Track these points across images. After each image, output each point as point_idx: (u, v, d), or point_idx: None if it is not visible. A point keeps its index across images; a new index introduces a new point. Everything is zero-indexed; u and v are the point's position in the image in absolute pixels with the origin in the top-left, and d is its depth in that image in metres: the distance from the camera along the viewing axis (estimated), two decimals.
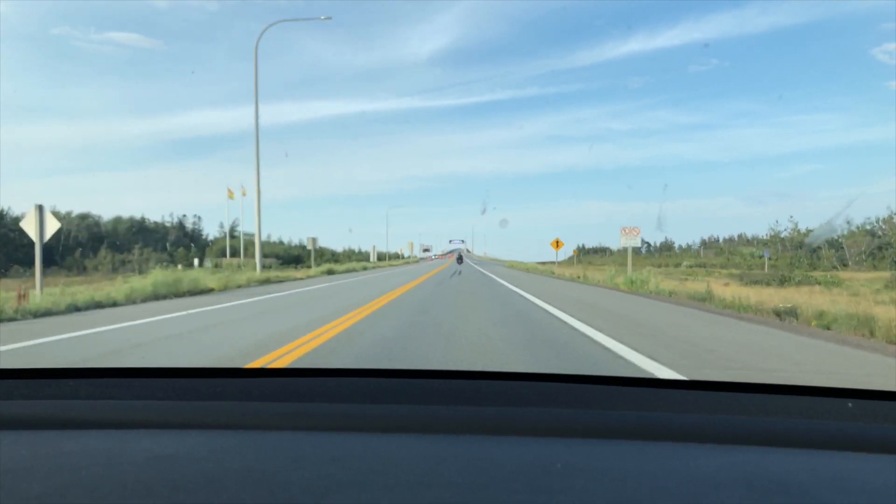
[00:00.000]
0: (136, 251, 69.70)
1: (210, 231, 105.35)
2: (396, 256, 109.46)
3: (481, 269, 46.78)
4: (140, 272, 63.08)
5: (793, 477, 0.98)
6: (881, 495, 0.94)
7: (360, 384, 1.41)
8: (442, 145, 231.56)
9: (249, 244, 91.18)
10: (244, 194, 54.73)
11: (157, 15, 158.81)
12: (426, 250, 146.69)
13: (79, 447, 1.09)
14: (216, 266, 57.07)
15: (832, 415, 1.23)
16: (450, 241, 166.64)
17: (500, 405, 1.29)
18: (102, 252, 69.32)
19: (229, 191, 56.58)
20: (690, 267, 66.73)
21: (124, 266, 67.21)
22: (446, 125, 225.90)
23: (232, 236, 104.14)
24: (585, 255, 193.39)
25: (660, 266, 61.97)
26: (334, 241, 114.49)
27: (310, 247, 45.18)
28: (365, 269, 55.16)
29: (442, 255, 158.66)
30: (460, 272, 37.14)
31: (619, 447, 1.11)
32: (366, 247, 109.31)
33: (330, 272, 41.54)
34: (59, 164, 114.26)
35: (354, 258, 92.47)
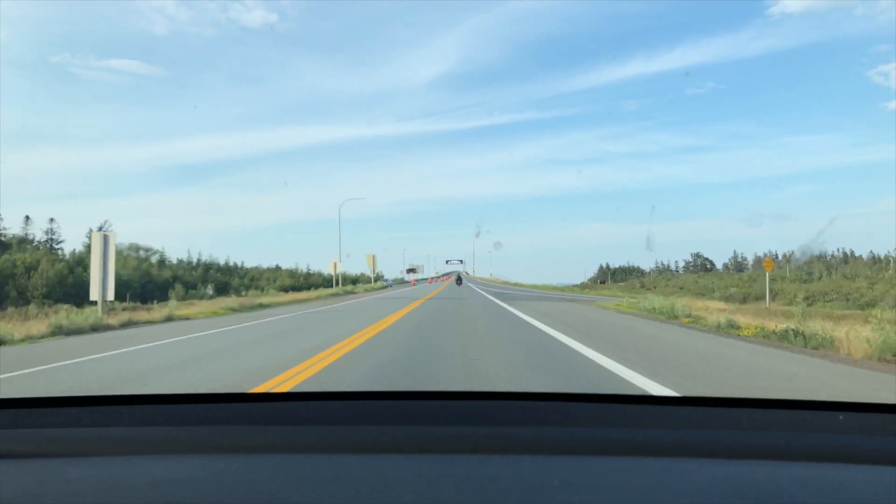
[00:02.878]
0: None
1: (74, 241, 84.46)
2: (368, 280, 72.62)
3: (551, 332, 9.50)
4: None
5: (784, 488, 1.02)
6: None
7: (358, 406, 1.42)
8: (439, 169, 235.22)
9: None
10: None
11: (156, 42, 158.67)
12: (411, 270, 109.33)
13: (83, 474, 1.11)
14: None
15: (823, 427, 1.24)
16: (446, 262, 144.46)
17: (497, 425, 1.30)
18: None
19: None
20: None
21: None
22: (444, 149, 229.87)
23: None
24: (612, 275, 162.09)
25: None
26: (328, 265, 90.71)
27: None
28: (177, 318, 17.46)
29: (434, 278, 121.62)
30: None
31: (613, 463, 1.15)
32: (357, 270, 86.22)
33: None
34: (59, 189, 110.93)
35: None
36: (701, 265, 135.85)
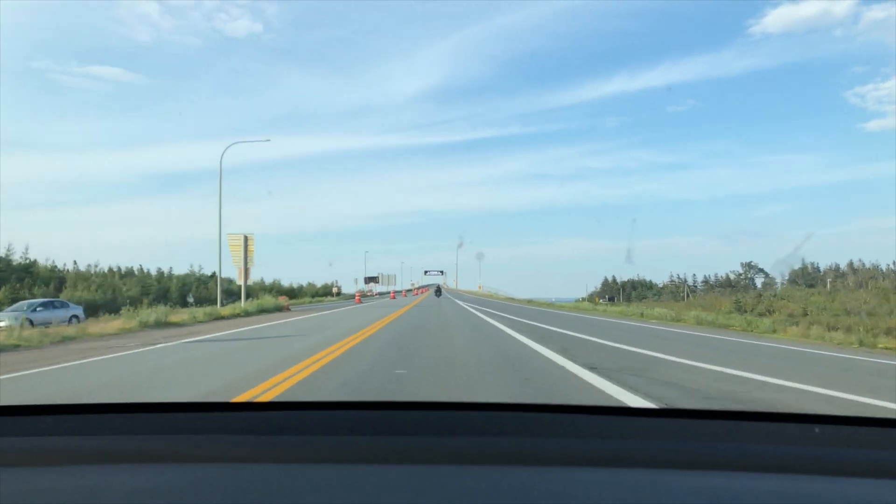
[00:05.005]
0: None
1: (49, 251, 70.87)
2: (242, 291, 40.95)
3: None
4: None
5: (762, 500, 1.03)
6: None
7: (338, 416, 1.40)
8: (423, 182, 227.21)
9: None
10: None
11: (139, 50, 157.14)
12: (372, 280, 77.05)
13: (58, 484, 1.08)
14: None
15: (800, 440, 1.25)
16: (425, 273, 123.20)
17: (477, 435, 1.28)
18: None
19: None
20: None
21: None
22: (428, 162, 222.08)
23: None
24: (622, 290, 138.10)
25: None
26: (314, 279, 79.43)
27: None
28: None
29: (404, 291, 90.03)
30: None
31: (593, 474, 1.14)
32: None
33: None
34: (35, 197, 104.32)
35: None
36: (734, 279, 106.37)
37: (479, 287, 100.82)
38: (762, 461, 1.17)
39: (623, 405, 5.56)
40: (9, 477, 1.10)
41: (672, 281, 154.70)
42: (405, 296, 65.65)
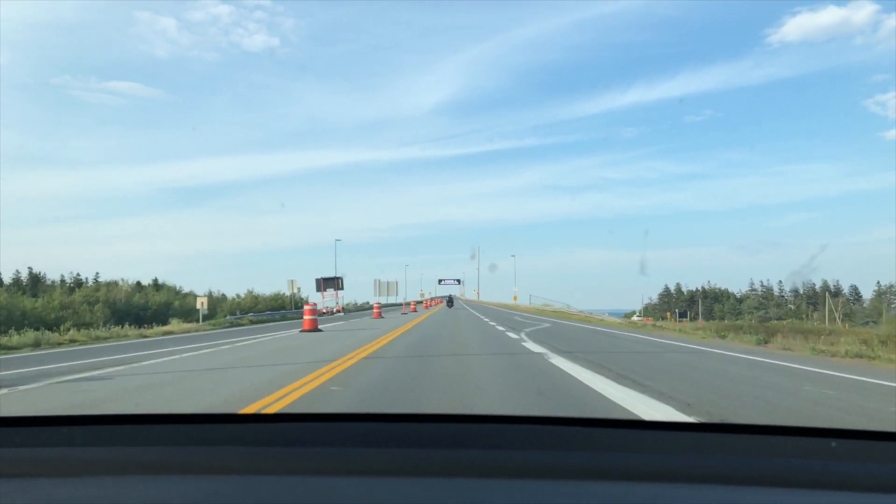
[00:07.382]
0: None
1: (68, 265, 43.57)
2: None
3: None
4: None
5: None
6: None
7: (352, 428, 1.41)
8: (439, 194, 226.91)
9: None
10: None
11: (157, 65, 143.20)
12: (329, 282, 43.61)
13: (75, 495, 1.10)
14: None
15: (816, 454, 1.25)
16: (440, 282, 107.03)
17: (492, 448, 1.29)
18: None
19: None
20: None
21: None
22: (444, 174, 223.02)
23: None
24: (687, 303, 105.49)
25: None
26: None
27: None
28: None
29: (374, 305, 57.59)
30: None
31: (607, 488, 1.14)
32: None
33: None
34: (56, 212, 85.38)
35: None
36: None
37: (515, 298, 67.07)
38: (778, 475, 1.15)
39: (639, 419, 5.29)
40: (26, 488, 1.11)
41: (753, 290, 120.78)
42: (378, 315, 31.60)
